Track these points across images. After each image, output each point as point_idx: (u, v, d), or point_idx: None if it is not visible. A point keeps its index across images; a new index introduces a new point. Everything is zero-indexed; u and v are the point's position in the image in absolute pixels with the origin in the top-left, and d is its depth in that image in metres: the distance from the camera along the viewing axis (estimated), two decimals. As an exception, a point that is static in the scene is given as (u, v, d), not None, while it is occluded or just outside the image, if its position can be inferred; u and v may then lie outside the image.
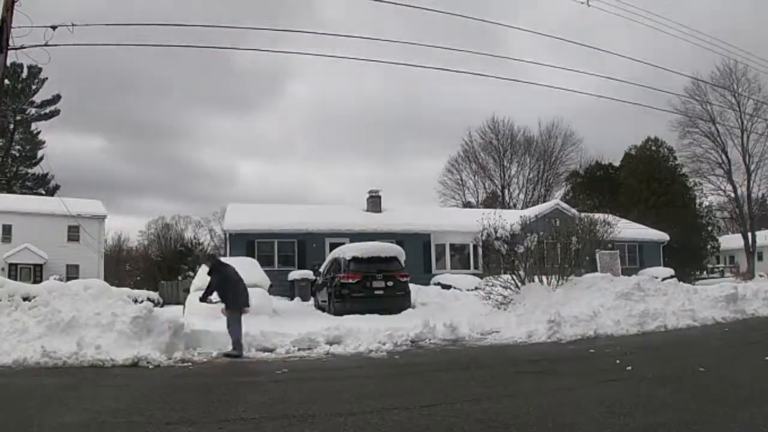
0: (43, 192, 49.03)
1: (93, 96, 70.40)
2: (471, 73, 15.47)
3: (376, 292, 14.55)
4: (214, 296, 9.40)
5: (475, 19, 15.00)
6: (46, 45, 11.08)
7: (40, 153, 50.77)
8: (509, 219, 19.00)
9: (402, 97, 76.03)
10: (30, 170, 51.59)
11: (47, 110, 51.15)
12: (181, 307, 15.23)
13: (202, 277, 14.12)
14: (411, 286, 15.73)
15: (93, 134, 77.80)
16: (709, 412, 4.60)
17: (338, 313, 13.53)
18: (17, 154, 51.57)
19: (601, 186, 44.59)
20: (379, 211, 28.74)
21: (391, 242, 18.35)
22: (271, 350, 9.04)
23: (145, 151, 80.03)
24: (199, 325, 9.73)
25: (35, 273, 34.88)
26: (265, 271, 14.99)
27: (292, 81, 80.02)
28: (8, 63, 11.65)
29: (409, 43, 14.12)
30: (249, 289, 12.94)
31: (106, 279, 30.72)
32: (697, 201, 41.28)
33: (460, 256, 27.01)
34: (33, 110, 50.92)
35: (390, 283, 14.72)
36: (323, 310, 15.92)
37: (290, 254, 24.91)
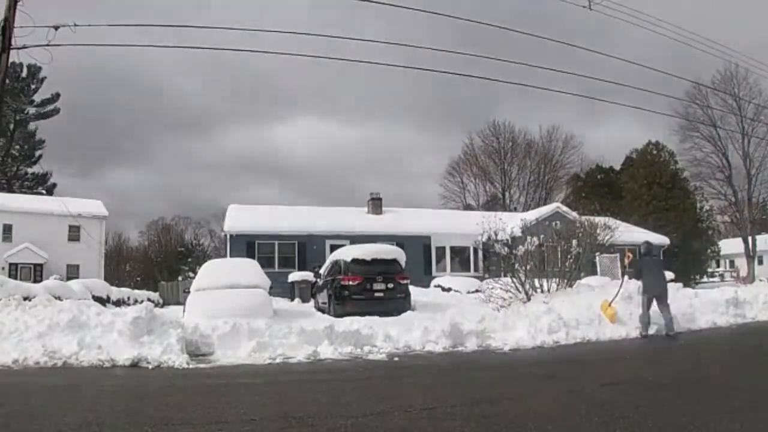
0: (44, 191, 49.07)
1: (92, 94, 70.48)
2: (471, 75, 15.46)
3: (377, 294, 14.52)
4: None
5: (474, 21, 14.97)
6: (48, 45, 11.10)
7: (39, 152, 50.91)
8: (510, 222, 19.02)
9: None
10: (30, 169, 51.68)
11: (46, 109, 51.25)
12: (181, 307, 15.21)
13: (202, 278, 14.13)
14: (411, 288, 15.71)
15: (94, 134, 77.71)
16: (710, 415, 4.59)
17: (338, 314, 13.49)
18: (17, 154, 51.62)
19: (601, 189, 44.63)
20: (380, 213, 28.77)
21: (392, 244, 18.34)
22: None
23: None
24: (200, 325, 9.70)
25: (35, 272, 34.89)
26: (266, 272, 14.93)
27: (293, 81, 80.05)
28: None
29: (412, 46, 14.06)
30: (248, 290, 13.00)
31: (106, 279, 30.77)
32: (698, 205, 41.28)
33: (461, 259, 27.02)
34: (32, 109, 51.00)
35: (390, 285, 14.69)
36: (323, 311, 15.89)
37: (290, 256, 24.93)
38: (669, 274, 24.41)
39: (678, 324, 10.94)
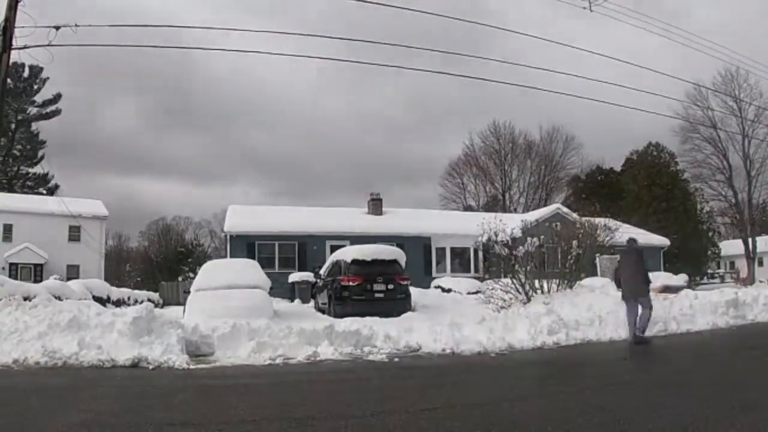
0: (44, 192, 49.10)
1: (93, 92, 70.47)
2: (471, 77, 15.48)
3: (377, 294, 14.53)
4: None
5: (474, 23, 15.00)
6: (49, 45, 11.11)
7: (40, 152, 50.93)
8: (510, 223, 18.99)
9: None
10: (31, 170, 51.72)
11: (48, 109, 51.29)
12: (181, 308, 15.22)
13: (202, 278, 14.14)
14: (411, 289, 15.71)
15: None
16: (709, 417, 4.59)
17: (338, 315, 13.49)
18: (18, 154, 51.66)
19: (602, 191, 44.67)
20: (380, 214, 28.78)
21: (392, 245, 18.34)
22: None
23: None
24: (200, 326, 9.70)
25: (36, 273, 34.90)
26: (266, 273, 14.95)
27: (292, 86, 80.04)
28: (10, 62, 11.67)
29: (410, 47, 14.12)
30: (249, 291, 13.01)
31: (106, 279, 30.79)
32: (698, 206, 41.31)
33: (461, 260, 27.02)
34: (34, 110, 51.04)
35: (390, 286, 14.69)
36: (323, 312, 15.90)
37: (291, 256, 24.94)
38: (667, 275, 24.52)
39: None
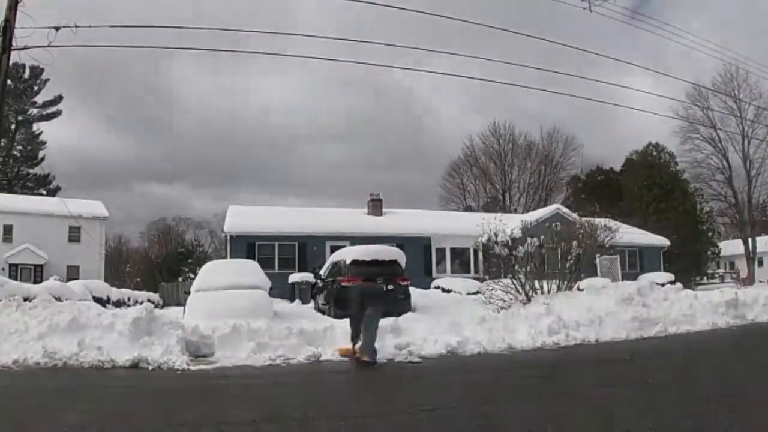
0: (44, 192, 49.12)
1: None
2: (472, 77, 15.50)
3: (376, 295, 14.52)
4: None
5: (474, 23, 14.99)
6: (49, 45, 11.11)
7: (41, 153, 51.00)
8: (510, 223, 19.02)
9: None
10: (31, 171, 51.77)
11: (49, 110, 51.32)
12: (181, 308, 15.22)
13: (202, 278, 14.16)
14: (411, 289, 15.70)
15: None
16: (710, 417, 4.59)
17: (338, 315, 13.50)
18: (18, 155, 51.70)
19: (601, 191, 44.68)
20: (380, 214, 28.80)
21: (392, 246, 18.34)
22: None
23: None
24: (200, 326, 9.70)
25: (36, 273, 34.90)
26: (266, 273, 14.96)
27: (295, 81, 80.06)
28: (10, 63, 11.68)
29: (405, 47, 14.12)
30: (249, 291, 13.01)
31: (106, 280, 30.79)
32: (698, 206, 41.33)
33: (461, 260, 27.03)
34: (35, 110, 51.07)
35: (390, 287, 14.69)
36: (323, 312, 15.91)
37: (291, 257, 24.96)
38: (669, 276, 24.51)
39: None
